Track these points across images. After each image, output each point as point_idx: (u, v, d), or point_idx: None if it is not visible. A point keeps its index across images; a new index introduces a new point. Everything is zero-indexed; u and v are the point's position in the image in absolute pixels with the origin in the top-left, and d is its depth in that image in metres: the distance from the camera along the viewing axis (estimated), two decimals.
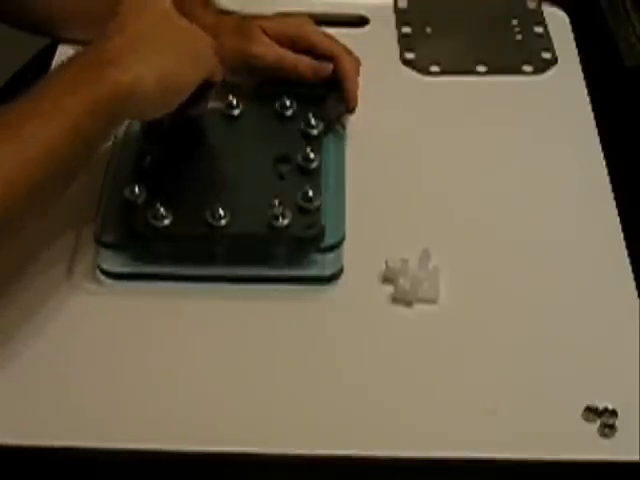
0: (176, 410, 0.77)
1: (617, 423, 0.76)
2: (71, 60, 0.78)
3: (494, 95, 1.03)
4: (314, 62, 0.96)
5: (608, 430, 0.75)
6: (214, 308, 0.83)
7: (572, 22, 1.13)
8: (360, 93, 0.96)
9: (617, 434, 0.75)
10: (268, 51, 0.96)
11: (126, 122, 0.90)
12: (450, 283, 0.85)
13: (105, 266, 0.85)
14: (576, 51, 1.09)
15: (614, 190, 0.93)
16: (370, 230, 0.88)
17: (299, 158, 0.89)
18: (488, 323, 0.83)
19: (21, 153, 0.73)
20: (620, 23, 1.16)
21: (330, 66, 0.96)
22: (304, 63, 0.96)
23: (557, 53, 1.08)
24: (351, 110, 0.97)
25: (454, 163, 0.96)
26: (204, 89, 0.85)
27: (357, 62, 0.98)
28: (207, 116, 0.92)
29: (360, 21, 1.12)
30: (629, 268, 0.87)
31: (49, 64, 1.02)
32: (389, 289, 0.85)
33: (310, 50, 0.97)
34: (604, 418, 0.76)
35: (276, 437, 0.75)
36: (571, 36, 1.11)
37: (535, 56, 1.08)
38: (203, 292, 0.84)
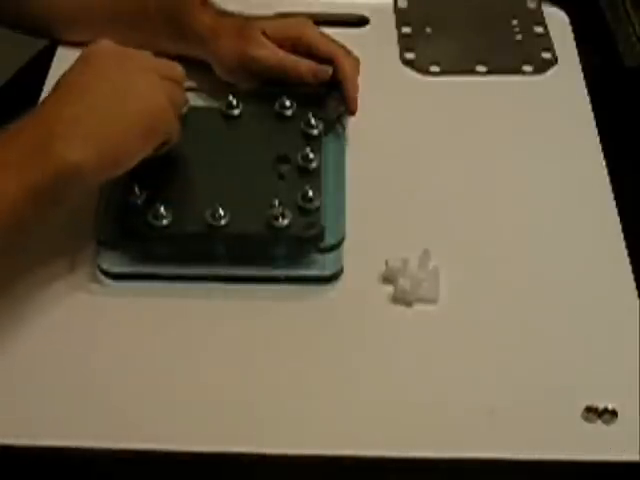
0: (176, 410, 0.77)
1: (617, 423, 0.76)
2: (22, 128, 0.76)
3: (494, 95, 1.03)
4: (314, 65, 0.96)
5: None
6: (214, 308, 0.83)
7: (572, 22, 1.13)
8: (360, 93, 0.96)
9: (617, 434, 0.76)
10: (268, 54, 0.96)
11: None
12: (450, 283, 0.85)
13: (105, 266, 0.85)
14: (576, 51, 1.09)
15: (614, 190, 0.93)
16: (370, 230, 0.88)
17: (299, 158, 0.89)
18: (488, 323, 0.83)
19: None
20: (620, 23, 1.16)
21: (330, 69, 0.96)
22: (304, 66, 0.96)
23: (557, 53, 1.08)
24: (352, 113, 0.96)
25: (454, 163, 0.96)
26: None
27: (357, 62, 0.97)
28: (207, 116, 0.92)
29: (360, 21, 1.12)
30: (629, 268, 0.87)
31: (49, 65, 1.02)
32: (389, 289, 0.84)
33: (310, 51, 0.97)
34: (604, 418, 0.76)
35: (276, 437, 0.75)
36: (571, 36, 1.11)
37: (535, 56, 1.08)
38: (203, 292, 0.84)
